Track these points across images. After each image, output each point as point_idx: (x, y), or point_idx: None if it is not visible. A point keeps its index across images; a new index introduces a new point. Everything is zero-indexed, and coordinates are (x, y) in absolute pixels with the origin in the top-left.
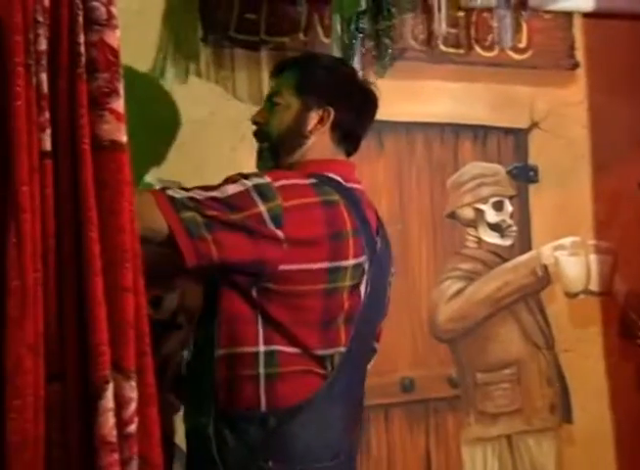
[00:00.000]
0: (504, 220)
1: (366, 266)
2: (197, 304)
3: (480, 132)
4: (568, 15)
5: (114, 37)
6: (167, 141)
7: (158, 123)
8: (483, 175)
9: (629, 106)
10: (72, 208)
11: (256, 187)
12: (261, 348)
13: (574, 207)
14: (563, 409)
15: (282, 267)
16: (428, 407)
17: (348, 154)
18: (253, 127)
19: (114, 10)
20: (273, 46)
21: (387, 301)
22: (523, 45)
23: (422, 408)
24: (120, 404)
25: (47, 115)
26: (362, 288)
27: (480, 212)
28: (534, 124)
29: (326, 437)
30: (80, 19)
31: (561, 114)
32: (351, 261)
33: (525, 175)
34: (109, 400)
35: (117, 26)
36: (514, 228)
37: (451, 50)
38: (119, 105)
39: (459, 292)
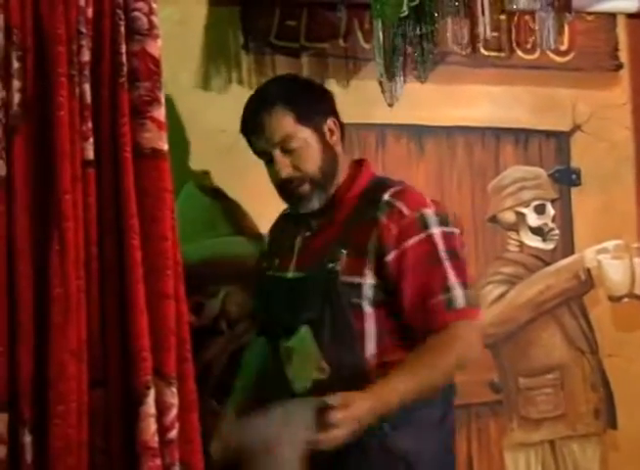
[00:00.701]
0: (546, 224)
1: None
2: (238, 309)
3: (521, 136)
4: (611, 16)
5: (155, 47)
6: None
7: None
8: (525, 179)
9: None
10: (114, 215)
11: (441, 223)
12: None
13: (618, 210)
14: (607, 415)
15: None
16: (470, 413)
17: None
18: (280, 184)
19: (155, 20)
20: (314, 52)
21: None
22: (565, 47)
23: (464, 414)
24: (162, 410)
25: (89, 124)
26: None
27: (521, 216)
28: (577, 127)
29: None
30: (122, 29)
31: (604, 116)
32: None
33: (567, 178)
34: (150, 406)
35: (159, 36)
36: (556, 232)
37: (492, 53)
38: (160, 113)
39: (501, 296)
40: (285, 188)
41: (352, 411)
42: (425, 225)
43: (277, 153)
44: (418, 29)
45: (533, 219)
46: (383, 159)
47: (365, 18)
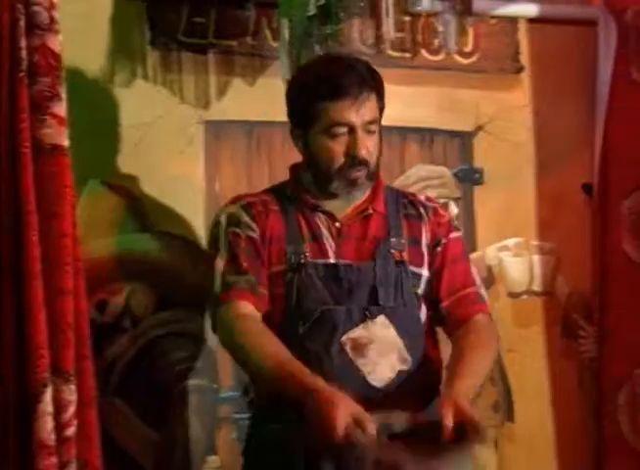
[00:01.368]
0: None
1: None
2: (142, 307)
3: (426, 135)
4: (513, 20)
5: (55, 42)
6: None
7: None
8: (429, 178)
9: (573, 109)
10: (13, 211)
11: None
12: None
13: (518, 208)
14: (505, 408)
15: None
16: None
17: None
18: (355, 161)
19: (55, 15)
20: (221, 49)
21: None
22: (468, 49)
23: None
24: (59, 407)
25: None
26: None
27: None
28: (480, 127)
29: None
30: (22, 23)
31: (506, 117)
32: None
33: (470, 178)
34: (47, 404)
35: (59, 31)
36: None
37: (398, 54)
38: (61, 109)
39: None
40: (344, 169)
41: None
42: (456, 226)
43: (360, 130)
44: (324, 29)
45: None
46: (288, 157)
47: (273, 16)
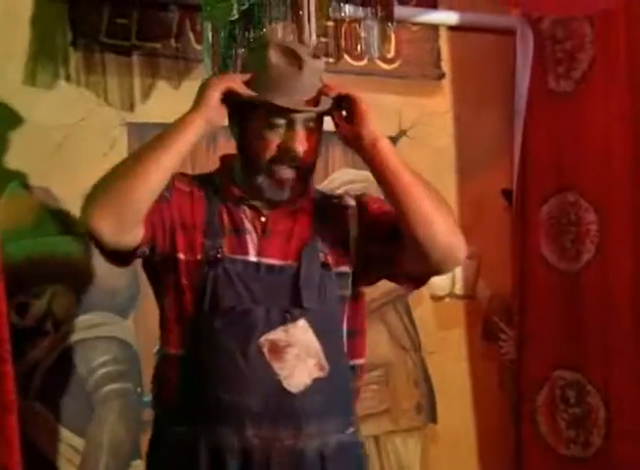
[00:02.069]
0: None
1: None
2: (64, 310)
3: None
4: (434, 27)
5: None
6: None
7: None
8: (354, 181)
9: (493, 116)
10: None
11: None
12: None
13: None
14: (428, 409)
15: None
16: None
17: None
18: (288, 155)
19: None
20: (144, 51)
21: None
22: (391, 55)
23: None
24: None
25: None
26: None
27: None
28: (402, 132)
29: None
30: None
31: (427, 122)
32: None
33: None
34: None
35: None
36: None
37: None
38: None
39: None
40: (275, 163)
41: None
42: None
43: (300, 125)
44: (247, 33)
45: None
46: (213, 160)
47: (197, 19)
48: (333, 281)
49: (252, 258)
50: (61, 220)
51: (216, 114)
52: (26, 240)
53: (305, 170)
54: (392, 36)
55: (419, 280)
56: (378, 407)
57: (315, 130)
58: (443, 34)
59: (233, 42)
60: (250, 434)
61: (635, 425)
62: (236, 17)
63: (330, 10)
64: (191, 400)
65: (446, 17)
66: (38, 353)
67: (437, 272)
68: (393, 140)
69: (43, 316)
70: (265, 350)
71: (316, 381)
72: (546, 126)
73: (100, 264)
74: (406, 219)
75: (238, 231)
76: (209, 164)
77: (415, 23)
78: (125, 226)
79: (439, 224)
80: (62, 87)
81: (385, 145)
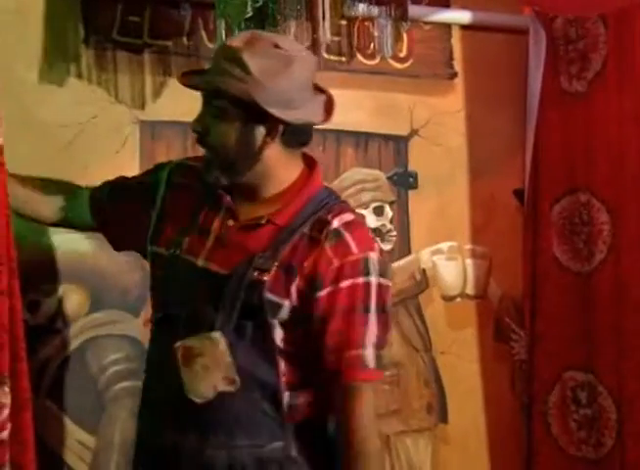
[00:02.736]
0: (384, 225)
1: None
2: (76, 308)
3: (361, 139)
4: (446, 26)
5: None
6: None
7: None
8: (364, 181)
9: (505, 115)
10: None
11: (380, 274)
12: None
13: (452, 212)
14: (439, 410)
15: None
16: None
17: (303, 144)
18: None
19: None
20: (156, 49)
21: None
22: (403, 54)
23: None
24: None
25: None
26: None
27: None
28: (414, 132)
29: None
30: None
31: (440, 122)
32: None
33: (404, 181)
34: None
35: None
36: (394, 233)
37: (334, 58)
38: None
39: None
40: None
41: None
42: (367, 271)
43: (206, 106)
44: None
45: (372, 221)
46: None
47: (209, 17)
48: (260, 303)
49: (200, 261)
50: None
51: None
52: (38, 238)
53: (222, 158)
54: (405, 35)
55: None
56: (388, 407)
57: (228, 120)
58: (456, 33)
59: None
60: (164, 435)
61: None
62: (250, 14)
63: (344, 8)
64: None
65: (459, 16)
66: (49, 351)
67: None
68: (405, 139)
69: (54, 314)
70: (179, 355)
71: (223, 394)
72: (558, 126)
73: (111, 262)
74: None
75: (203, 232)
76: None
77: (427, 22)
78: None
79: None
80: (73, 85)
81: None
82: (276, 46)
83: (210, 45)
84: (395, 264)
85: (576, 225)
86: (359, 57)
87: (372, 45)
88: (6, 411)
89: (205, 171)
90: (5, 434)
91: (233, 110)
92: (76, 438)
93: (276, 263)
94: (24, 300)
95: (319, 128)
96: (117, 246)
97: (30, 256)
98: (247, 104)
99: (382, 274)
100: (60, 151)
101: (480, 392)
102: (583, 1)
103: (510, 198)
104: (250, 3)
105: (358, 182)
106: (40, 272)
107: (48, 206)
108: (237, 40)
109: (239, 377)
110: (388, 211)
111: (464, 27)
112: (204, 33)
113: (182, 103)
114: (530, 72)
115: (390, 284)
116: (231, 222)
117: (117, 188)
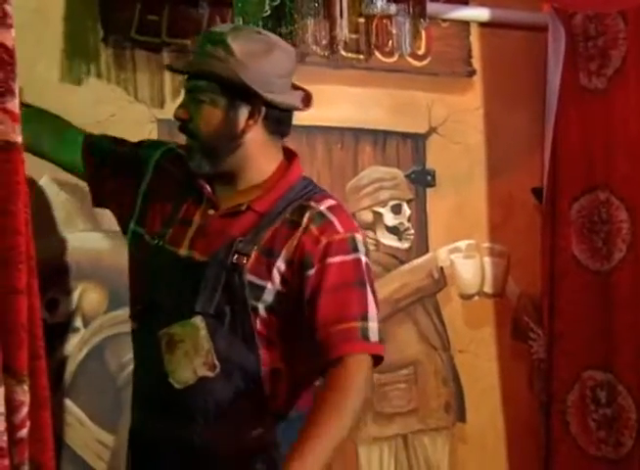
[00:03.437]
0: (402, 223)
1: None
2: (94, 306)
3: (379, 137)
4: (465, 24)
5: (9, 36)
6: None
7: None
8: (383, 179)
9: (524, 113)
10: None
11: (365, 253)
12: None
13: (470, 211)
14: (457, 408)
15: None
16: None
17: (283, 135)
18: (178, 122)
19: (9, 8)
20: (175, 48)
21: None
22: (421, 52)
23: None
24: (12, 409)
25: None
26: None
27: (378, 216)
28: (432, 130)
29: None
30: None
31: (458, 120)
32: None
33: (422, 179)
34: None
35: (12, 25)
36: (411, 231)
37: (352, 55)
38: (14, 105)
39: None
40: (183, 134)
41: None
42: (355, 248)
43: (189, 93)
44: (278, 29)
45: (390, 219)
46: None
47: (227, 15)
48: (241, 286)
49: (182, 251)
50: (90, 216)
51: None
52: (56, 236)
53: (205, 143)
54: (423, 33)
55: None
56: (406, 406)
57: (211, 103)
58: (474, 31)
59: None
60: (151, 422)
61: None
62: (268, 13)
63: (362, 6)
64: None
65: (477, 13)
66: (68, 350)
67: None
68: (423, 137)
69: (73, 312)
70: (163, 342)
71: (203, 379)
72: (577, 124)
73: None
74: None
75: (185, 223)
76: None
77: (446, 20)
78: None
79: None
80: (92, 84)
81: None
82: (258, 33)
83: None
84: (414, 263)
85: (595, 224)
86: (377, 54)
87: (390, 43)
88: (25, 409)
89: (189, 159)
90: (24, 432)
91: (216, 91)
92: (95, 436)
93: (256, 247)
94: (43, 298)
95: (337, 126)
96: (98, 202)
97: (49, 254)
98: (230, 85)
99: (366, 254)
100: None
101: (498, 391)
102: None
103: (528, 196)
104: (267, 1)
105: (376, 180)
106: (59, 270)
107: (44, 138)
108: (221, 27)
109: (219, 362)
110: (406, 210)
111: (482, 25)
112: None
113: None
114: (549, 70)
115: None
116: (212, 212)
117: (112, 147)
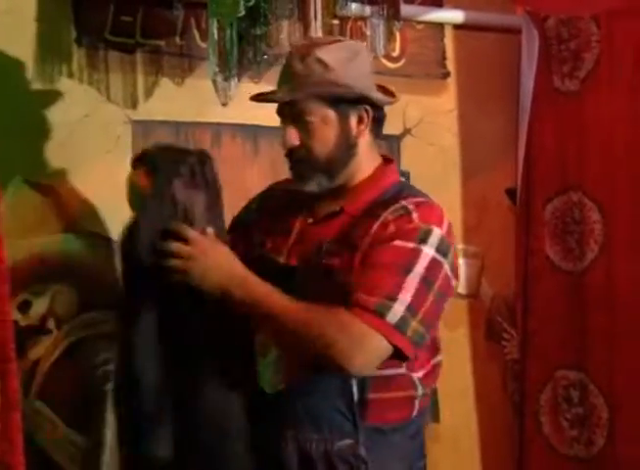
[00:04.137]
0: None
1: None
2: (67, 308)
3: None
4: (439, 26)
5: None
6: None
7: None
8: None
9: (497, 115)
10: None
11: (438, 249)
12: None
13: (444, 212)
14: (431, 409)
15: None
16: None
17: (378, 135)
18: (285, 152)
19: None
20: (149, 49)
21: None
22: (396, 54)
23: None
24: None
25: None
26: None
27: None
28: (407, 131)
29: None
30: None
31: (432, 121)
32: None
33: None
34: None
35: None
36: None
37: None
38: None
39: None
40: (289, 160)
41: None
42: (423, 240)
43: (288, 118)
44: (253, 30)
45: None
46: (218, 158)
47: (202, 16)
48: (331, 287)
49: (282, 259)
50: (63, 218)
51: None
52: (29, 238)
53: (322, 163)
54: (397, 35)
55: None
56: None
57: (324, 123)
58: (448, 33)
59: (238, 39)
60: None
61: (638, 425)
62: (242, 14)
63: (336, 7)
64: None
65: (451, 15)
66: (40, 352)
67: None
68: (398, 139)
69: (45, 314)
70: (256, 346)
71: (294, 386)
72: (551, 126)
73: (102, 262)
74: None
75: (285, 231)
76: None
77: (420, 22)
78: None
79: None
80: (65, 84)
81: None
82: (338, 40)
83: (203, 44)
84: None
85: (569, 224)
86: None
87: (364, 44)
88: None
89: (303, 184)
90: None
91: (323, 108)
92: (67, 438)
93: (338, 247)
94: (15, 300)
95: None
96: None
97: (21, 255)
98: (336, 97)
99: (441, 252)
100: (52, 150)
101: (472, 391)
102: (575, 1)
103: (502, 197)
104: (242, 2)
105: None
106: (30, 272)
107: None
108: (298, 47)
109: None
110: None
111: (457, 27)
112: (196, 33)
113: (174, 103)
114: (523, 72)
115: (448, 268)
116: (310, 220)
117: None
